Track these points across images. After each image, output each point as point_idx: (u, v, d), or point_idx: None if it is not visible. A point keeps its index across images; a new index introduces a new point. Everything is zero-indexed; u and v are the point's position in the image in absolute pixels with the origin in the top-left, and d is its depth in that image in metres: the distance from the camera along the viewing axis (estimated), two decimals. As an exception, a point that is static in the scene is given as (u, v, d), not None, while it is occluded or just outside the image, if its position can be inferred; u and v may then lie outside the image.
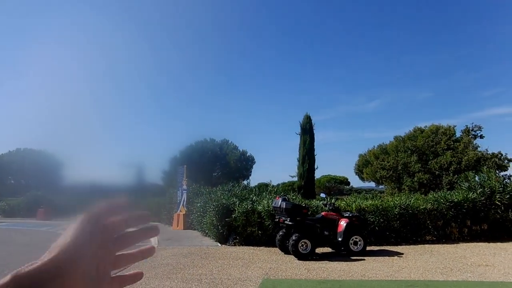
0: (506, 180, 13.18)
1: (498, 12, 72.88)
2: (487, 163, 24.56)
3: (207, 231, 12.80)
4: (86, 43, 73.71)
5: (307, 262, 8.32)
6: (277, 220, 9.41)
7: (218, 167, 35.45)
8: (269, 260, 8.52)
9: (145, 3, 78.18)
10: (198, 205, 14.25)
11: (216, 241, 11.72)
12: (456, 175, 24.00)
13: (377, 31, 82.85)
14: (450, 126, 29.51)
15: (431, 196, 11.67)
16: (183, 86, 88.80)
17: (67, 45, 73.86)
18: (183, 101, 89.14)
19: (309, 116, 19.71)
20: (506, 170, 26.78)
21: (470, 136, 28.26)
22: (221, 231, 11.35)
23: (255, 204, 10.89)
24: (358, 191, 38.27)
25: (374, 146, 36.51)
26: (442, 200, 11.13)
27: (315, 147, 19.21)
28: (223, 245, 11.10)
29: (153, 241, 12.70)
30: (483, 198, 11.20)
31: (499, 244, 10.48)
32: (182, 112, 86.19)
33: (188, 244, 11.48)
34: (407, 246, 10.31)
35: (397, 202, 11.01)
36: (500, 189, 11.36)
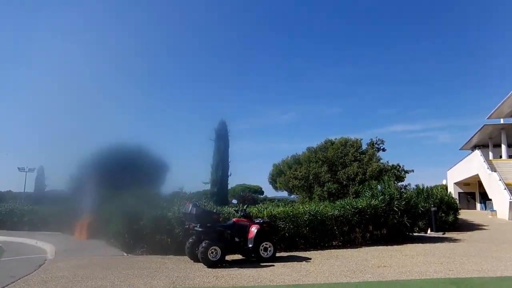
0: (403, 190, 14.44)
1: (399, 33, 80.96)
2: (388, 174, 26.68)
3: (112, 240, 11.95)
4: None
5: (217, 269, 8.10)
6: (187, 226, 9.08)
7: (129, 173, 33.70)
8: (177, 269, 8.15)
9: None
10: (104, 212, 13.31)
11: (121, 250, 10.97)
12: (361, 185, 25.66)
13: (284, 46, 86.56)
14: (357, 139, 31.58)
15: (338, 203, 12.23)
16: (96, 86, 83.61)
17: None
18: (94, 101, 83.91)
19: (225, 122, 19.73)
20: (403, 180, 29.41)
21: (374, 149, 30.53)
22: (127, 239, 10.66)
23: (164, 210, 10.43)
24: (272, 200, 39.11)
25: (288, 156, 37.62)
26: (348, 207, 11.72)
27: (229, 154, 19.23)
28: (129, 255, 10.40)
29: (50, 252, 11.52)
30: (383, 204, 12.04)
31: (395, 246, 11.33)
32: (92, 113, 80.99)
33: (90, 254, 10.57)
34: (315, 251, 10.62)
35: (306, 209, 11.33)
36: (398, 196, 12.35)
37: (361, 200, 12.29)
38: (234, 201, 10.75)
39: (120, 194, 14.39)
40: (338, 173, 29.42)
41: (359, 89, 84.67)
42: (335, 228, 11.56)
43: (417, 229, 14.64)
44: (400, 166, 30.14)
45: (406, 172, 30.13)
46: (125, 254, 10.55)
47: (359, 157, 29.74)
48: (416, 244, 11.84)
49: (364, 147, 31.23)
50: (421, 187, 18.01)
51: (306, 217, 11.09)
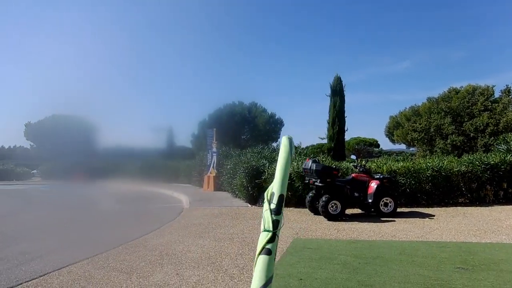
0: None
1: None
2: (527, 124, 23.48)
3: (237, 193, 13.06)
4: (112, 9, 73.58)
5: (337, 222, 8.38)
6: (307, 181, 9.45)
7: (247, 130, 35.69)
8: (299, 221, 8.64)
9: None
10: (228, 167, 14.47)
11: (246, 202, 11.96)
12: (492, 137, 23.16)
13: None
14: (488, 86, 28.11)
15: (465, 158, 11.34)
16: (212, 49, 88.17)
17: (95, 12, 74.08)
18: (212, 64, 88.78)
19: (340, 77, 19.23)
20: (548, 132, 25.56)
21: (510, 97, 26.89)
22: (251, 192, 11.54)
23: (284, 166, 10.93)
24: (388, 153, 37.68)
25: (405, 107, 35.50)
26: (477, 163, 10.79)
27: (345, 109, 18.92)
28: (253, 206, 11.32)
29: (185, 202, 13.12)
30: (523, 160, 10.78)
31: (537, 207, 10.17)
32: (211, 75, 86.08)
33: (219, 205, 11.77)
34: (438, 208, 10.17)
35: (429, 164, 10.77)
36: (542, 150, 10.90)
37: (493, 155, 11.19)
38: (353, 156, 10.69)
39: (241, 150, 15.44)
40: (464, 124, 26.90)
41: (488, 28, 73.34)
42: (461, 184, 10.82)
43: None
44: (544, 116, 26.15)
45: (552, 122, 26.06)
46: (249, 205, 11.50)
47: (490, 106, 26.62)
48: None
49: (497, 95, 27.73)
50: None
51: (428, 173, 10.57)
